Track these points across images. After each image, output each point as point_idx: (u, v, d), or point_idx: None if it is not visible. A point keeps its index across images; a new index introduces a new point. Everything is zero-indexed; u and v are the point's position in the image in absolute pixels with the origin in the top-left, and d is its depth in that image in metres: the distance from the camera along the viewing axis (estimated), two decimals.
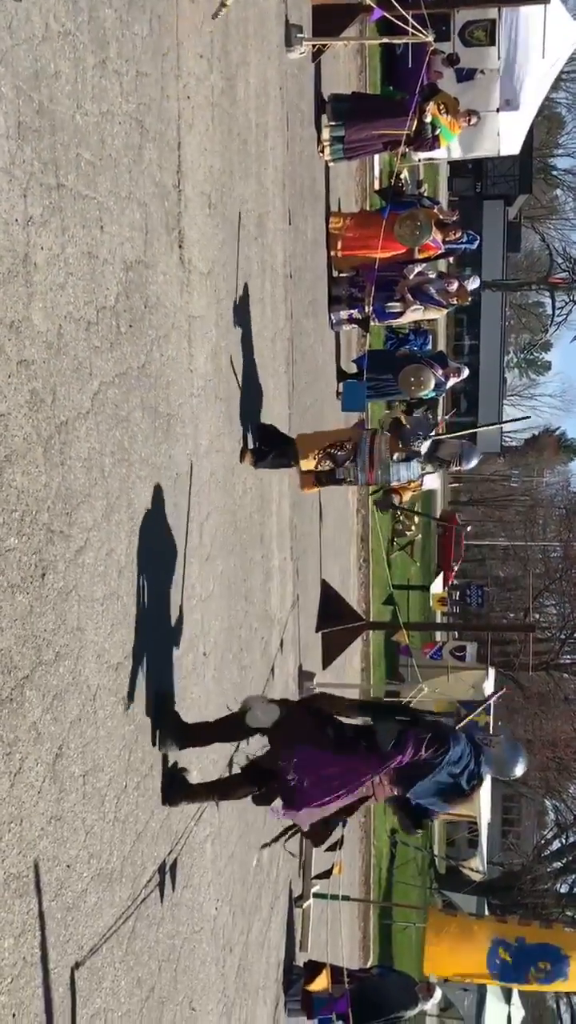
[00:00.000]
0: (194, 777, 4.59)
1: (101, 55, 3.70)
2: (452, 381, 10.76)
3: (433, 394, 10.95)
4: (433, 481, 7.28)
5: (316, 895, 8.38)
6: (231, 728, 4.60)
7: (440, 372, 10.31)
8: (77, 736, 3.38)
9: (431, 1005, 8.28)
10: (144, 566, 4.09)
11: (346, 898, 9.69)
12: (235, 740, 4.88)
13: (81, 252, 3.49)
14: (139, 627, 4.03)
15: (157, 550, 4.31)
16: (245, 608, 6.23)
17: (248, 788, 4.57)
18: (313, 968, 7.65)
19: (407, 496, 7.35)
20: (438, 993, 8.18)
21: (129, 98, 4.01)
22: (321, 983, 7.29)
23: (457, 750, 4.26)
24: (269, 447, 6.46)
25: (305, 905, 8.20)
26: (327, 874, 8.26)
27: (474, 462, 6.95)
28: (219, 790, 4.64)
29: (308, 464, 6.56)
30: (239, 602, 6.03)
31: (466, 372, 11.22)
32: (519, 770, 4.59)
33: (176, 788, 4.37)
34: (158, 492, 4.32)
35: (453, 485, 47.35)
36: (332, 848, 8.31)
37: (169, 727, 4.29)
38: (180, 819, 4.59)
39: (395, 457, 6.40)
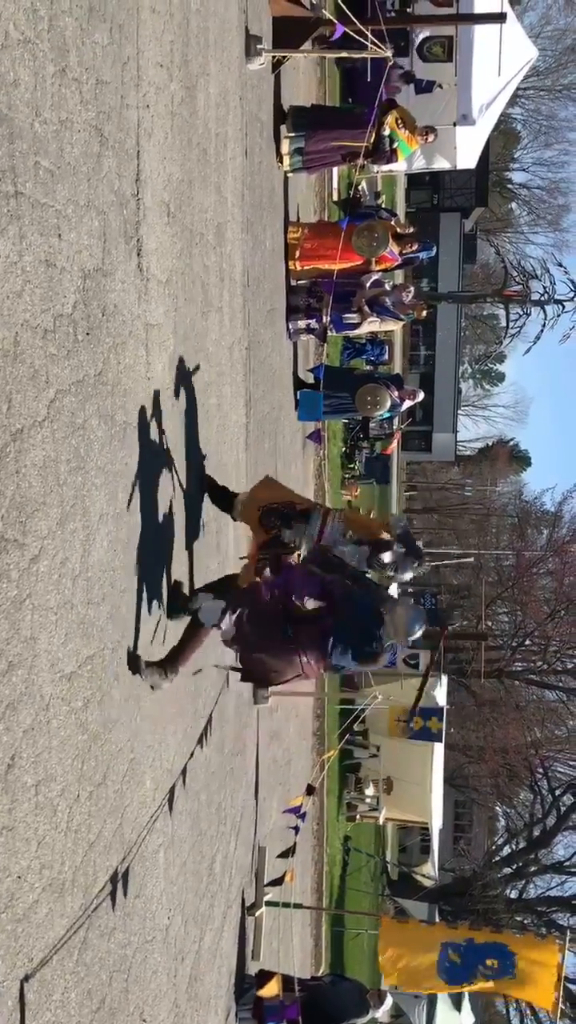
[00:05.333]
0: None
1: (61, 63, 3.70)
2: (407, 404, 10.99)
3: (388, 415, 11.15)
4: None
5: (268, 903, 8.37)
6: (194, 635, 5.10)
7: (396, 394, 10.48)
8: (30, 746, 3.36)
9: (382, 1012, 8.32)
10: (99, 575, 4.08)
11: (298, 906, 9.69)
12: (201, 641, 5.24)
13: (39, 260, 3.48)
14: (93, 636, 4.02)
15: (112, 559, 4.30)
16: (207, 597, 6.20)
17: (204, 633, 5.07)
18: (264, 976, 7.65)
19: None
20: (389, 1000, 8.23)
21: (88, 106, 4.01)
22: (272, 989, 7.28)
23: (357, 613, 4.93)
24: (211, 496, 6.32)
25: (258, 914, 8.19)
26: (279, 881, 8.26)
27: (408, 575, 7.02)
28: (186, 643, 5.06)
29: (253, 523, 6.20)
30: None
31: (421, 395, 11.45)
32: (415, 632, 4.99)
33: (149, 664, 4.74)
34: (114, 500, 4.32)
35: (408, 493, 47.74)
36: (284, 855, 8.33)
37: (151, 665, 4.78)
38: (133, 828, 4.58)
39: (347, 536, 6.19)
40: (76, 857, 3.79)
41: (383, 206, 14.66)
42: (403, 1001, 17.91)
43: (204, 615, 5.05)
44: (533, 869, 29.26)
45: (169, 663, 4.92)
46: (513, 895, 28.46)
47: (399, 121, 9.90)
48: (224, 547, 7.04)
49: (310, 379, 11.47)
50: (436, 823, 18.70)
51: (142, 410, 4.83)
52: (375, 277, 10.48)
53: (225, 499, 6.47)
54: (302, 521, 6.18)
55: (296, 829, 8.29)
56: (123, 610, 4.47)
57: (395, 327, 12.88)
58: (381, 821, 18.65)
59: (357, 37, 8.11)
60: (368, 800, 17.86)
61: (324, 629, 4.88)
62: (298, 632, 4.90)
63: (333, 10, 8.29)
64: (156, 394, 5.10)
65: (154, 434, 5.08)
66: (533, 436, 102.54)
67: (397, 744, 16.46)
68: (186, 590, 5.50)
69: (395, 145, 10.06)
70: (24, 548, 3.34)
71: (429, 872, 22.97)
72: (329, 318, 10.24)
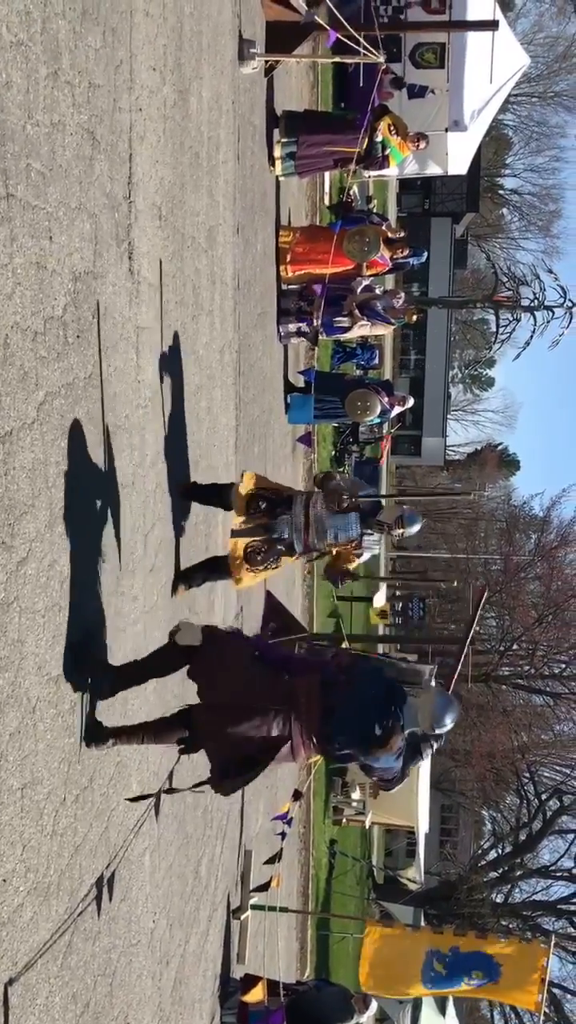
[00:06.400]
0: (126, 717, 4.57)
1: (53, 66, 3.70)
2: (397, 410, 11.04)
3: (378, 420, 11.21)
4: (373, 547, 6.75)
5: (254, 907, 8.37)
6: (162, 659, 4.54)
7: (386, 400, 10.52)
8: (16, 749, 3.36)
9: (367, 1017, 8.32)
10: (87, 577, 4.08)
11: (284, 909, 9.68)
12: (168, 672, 4.73)
13: (29, 262, 3.48)
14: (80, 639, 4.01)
15: (100, 561, 4.29)
16: (188, 619, 6.21)
17: (177, 732, 4.45)
18: (249, 981, 7.64)
19: (352, 565, 6.66)
20: (374, 1006, 8.22)
21: (81, 109, 4.01)
22: (256, 995, 7.27)
23: (372, 678, 4.29)
24: (202, 500, 6.16)
25: (243, 917, 8.19)
26: (265, 887, 8.25)
27: (416, 527, 6.66)
28: (149, 730, 4.50)
29: (239, 516, 6.02)
30: (182, 612, 6.02)
31: (411, 402, 11.51)
32: (445, 722, 4.22)
33: (102, 729, 4.19)
34: (102, 503, 4.31)
35: (398, 498, 47.78)
36: (271, 861, 8.32)
37: (98, 673, 4.17)
38: (119, 832, 4.57)
39: (331, 511, 5.93)
40: (61, 861, 3.79)
41: (374, 211, 14.71)
42: (388, 1006, 17.91)
43: (181, 637, 4.50)
44: (519, 873, 29.33)
45: (116, 676, 4.34)
46: (499, 899, 28.51)
47: (391, 127, 9.94)
48: (212, 551, 7.03)
49: (300, 382, 11.48)
50: (422, 827, 18.73)
51: (132, 413, 4.83)
52: (366, 282, 10.51)
53: (215, 495, 6.34)
54: (286, 510, 6.03)
55: (283, 835, 8.28)
56: (111, 616, 4.47)
57: (385, 331, 12.91)
58: (367, 825, 18.66)
59: (349, 43, 8.13)
60: (354, 803, 17.87)
61: (328, 701, 4.19)
62: (296, 689, 4.23)
63: (326, 16, 8.31)
64: (146, 397, 5.10)
65: (144, 437, 5.08)
66: (522, 441, 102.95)
67: None
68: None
69: (387, 152, 10.10)
70: (12, 551, 3.33)
71: (415, 876, 23.00)
72: (320, 322, 10.26)
